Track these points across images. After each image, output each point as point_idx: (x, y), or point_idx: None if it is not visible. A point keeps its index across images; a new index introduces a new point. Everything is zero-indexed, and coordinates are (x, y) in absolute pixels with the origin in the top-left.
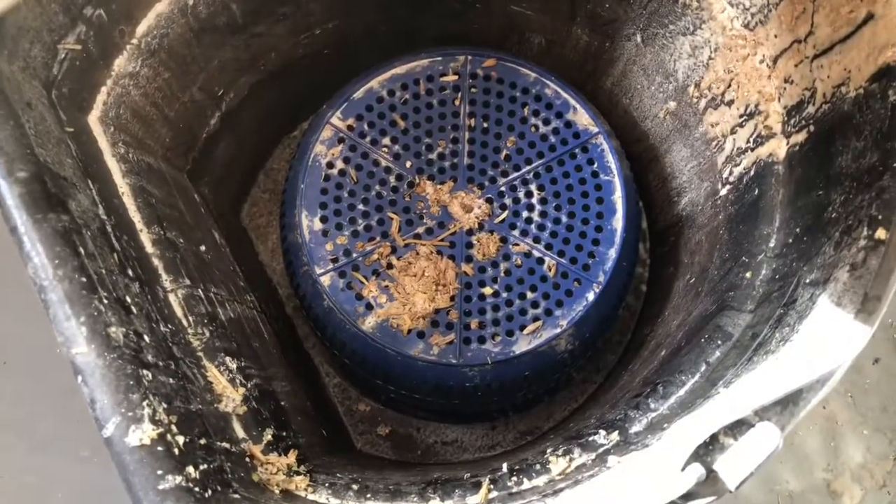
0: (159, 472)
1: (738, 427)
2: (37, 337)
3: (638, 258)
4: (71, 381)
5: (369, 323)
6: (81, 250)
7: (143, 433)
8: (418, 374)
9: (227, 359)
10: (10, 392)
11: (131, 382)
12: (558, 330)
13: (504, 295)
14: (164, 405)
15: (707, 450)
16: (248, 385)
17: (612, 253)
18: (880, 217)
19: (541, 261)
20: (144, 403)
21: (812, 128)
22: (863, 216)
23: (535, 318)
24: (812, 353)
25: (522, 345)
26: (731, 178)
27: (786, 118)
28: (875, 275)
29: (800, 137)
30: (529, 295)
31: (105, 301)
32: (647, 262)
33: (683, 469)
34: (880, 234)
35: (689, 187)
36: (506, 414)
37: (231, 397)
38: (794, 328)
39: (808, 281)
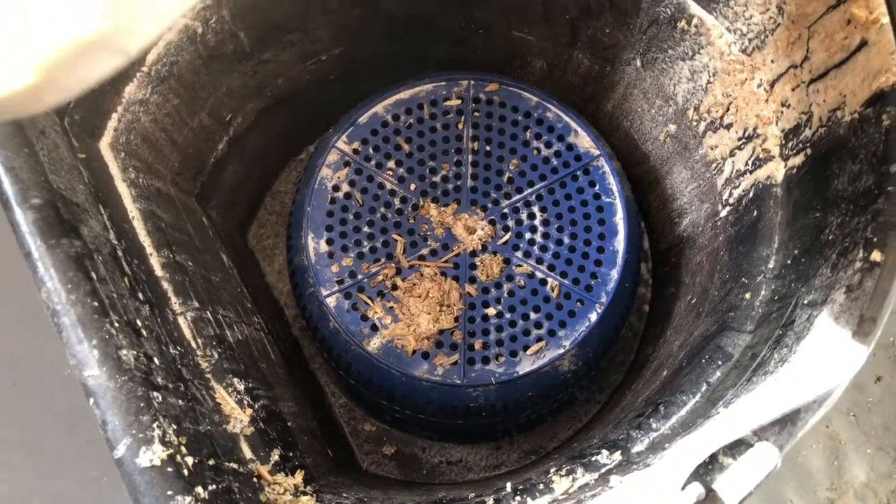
0: (169, 492)
1: (737, 447)
2: (46, 358)
3: (640, 279)
4: (79, 402)
5: (374, 344)
6: (93, 275)
7: (154, 454)
8: (423, 395)
9: (235, 380)
10: (19, 412)
11: (142, 404)
12: (561, 350)
13: (507, 316)
14: (174, 426)
15: (707, 469)
16: (256, 406)
17: (615, 274)
18: (875, 239)
19: (544, 282)
20: (155, 425)
21: (809, 151)
22: (859, 238)
23: (539, 339)
24: (809, 373)
25: (526, 365)
26: (731, 200)
27: (783, 141)
28: (871, 297)
29: (797, 160)
30: (533, 315)
31: (116, 324)
32: (649, 283)
33: (683, 488)
34: (875, 256)
35: (690, 209)
36: (510, 434)
37: (239, 418)
38: (791, 349)
39: (805, 302)
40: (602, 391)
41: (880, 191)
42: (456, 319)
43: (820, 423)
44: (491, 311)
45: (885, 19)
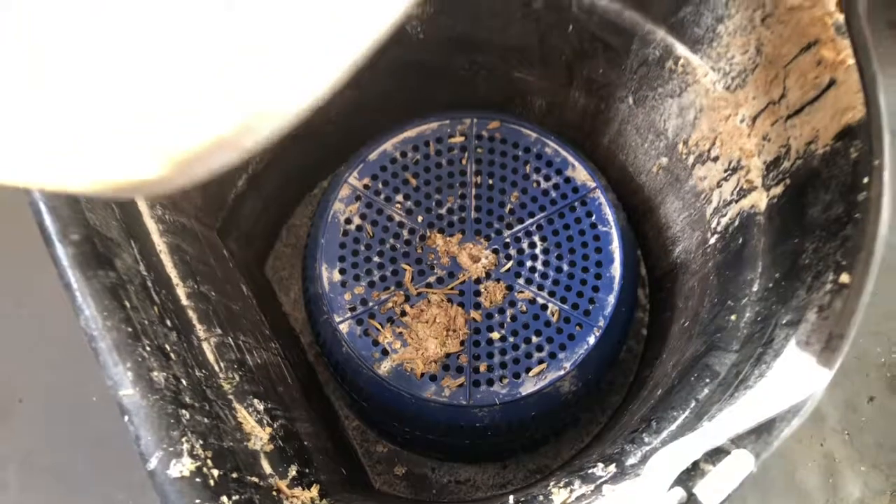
0: (197, 500)
1: (716, 454)
2: (73, 386)
3: (638, 304)
4: (105, 428)
5: (385, 367)
6: (127, 304)
7: (183, 466)
8: (431, 416)
9: (255, 401)
10: (49, 438)
11: (172, 421)
12: (562, 372)
13: (510, 339)
14: (201, 441)
15: (689, 475)
16: (274, 425)
17: (611, 299)
18: (844, 263)
19: (544, 307)
20: (183, 440)
21: (788, 181)
22: (830, 262)
23: (540, 361)
24: (783, 386)
25: (528, 386)
26: (719, 228)
27: (765, 173)
28: (839, 316)
29: (778, 190)
30: (534, 339)
31: (148, 349)
32: (647, 308)
33: (668, 492)
34: (844, 278)
35: (683, 236)
36: (516, 454)
37: (259, 436)
38: (769, 365)
39: (784, 322)
40: (603, 412)
41: (849, 218)
42: (462, 343)
43: (815, 442)
44: (495, 335)
45: (851, 60)
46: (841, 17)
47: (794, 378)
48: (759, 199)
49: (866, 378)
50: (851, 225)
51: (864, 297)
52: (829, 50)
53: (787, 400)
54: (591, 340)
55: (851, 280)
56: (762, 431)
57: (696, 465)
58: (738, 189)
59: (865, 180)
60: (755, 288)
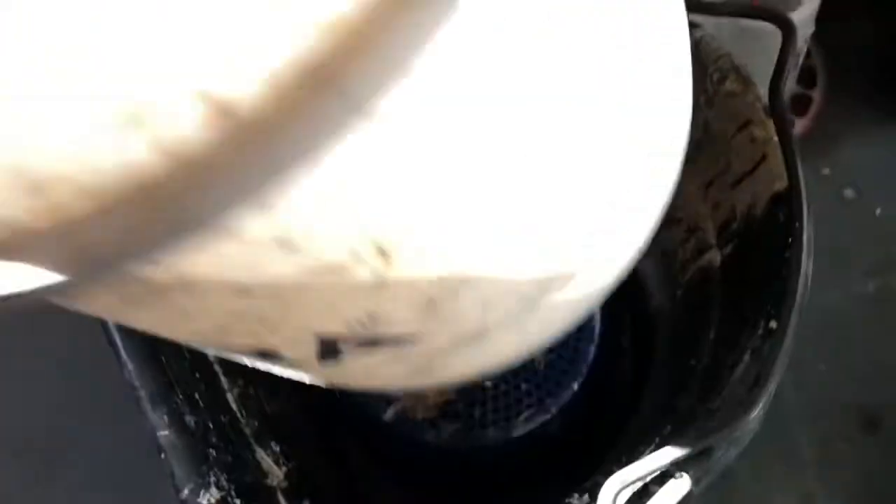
0: None
1: (663, 477)
2: (114, 432)
3: (622, 353)
4: (137, 478)
5: (389, 414)
6: (163, 359)
7: (211, 496)
8: (431, 458)
9: (272, 443)
10: (92, 480)
11: (201, 458)
12: (548, 416)
13: (502, 387)
14: (225, 475)
15: (640, 496)
16: (289, 465)
17: (592, 349)
18: (772, 311)
19: (532, 357)
20: (211, 474)
21: (736, 241)
22: (764, 312)
23: (529, 406)
24: (720, 419)
25: (519, 430)
26: (683, 282)
27: (718, 234)
28: (767, 357)
29: (728, 249)
30: (523, 386)
31: (181, 397)
32: (631, 355)
33: None
34: (772, 324)
35: (657, 291)
36: (512, 495)
37: (276, 474)
38: (713, 401)
39: (728, 364)
40: (592, 452)
41: (777, 273)
42: (458, 392)
43: (794, 478)
44: (488, 383)
45: (776, 138)
46: (767, 102)
47: (729, 411)
48: (715, 258)
49: (841, 419)
50: (778, 280)
51: (787, 340)
52: (759, 129)
53: (724, 431)
54: (575, 386)
55: (777, 326)
56: (702, 458)
57: (646, 486)
58: (696, 248)
59: (790, 240)
60: (711, 336)
